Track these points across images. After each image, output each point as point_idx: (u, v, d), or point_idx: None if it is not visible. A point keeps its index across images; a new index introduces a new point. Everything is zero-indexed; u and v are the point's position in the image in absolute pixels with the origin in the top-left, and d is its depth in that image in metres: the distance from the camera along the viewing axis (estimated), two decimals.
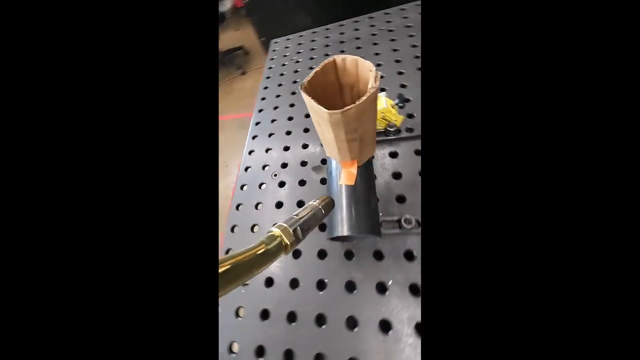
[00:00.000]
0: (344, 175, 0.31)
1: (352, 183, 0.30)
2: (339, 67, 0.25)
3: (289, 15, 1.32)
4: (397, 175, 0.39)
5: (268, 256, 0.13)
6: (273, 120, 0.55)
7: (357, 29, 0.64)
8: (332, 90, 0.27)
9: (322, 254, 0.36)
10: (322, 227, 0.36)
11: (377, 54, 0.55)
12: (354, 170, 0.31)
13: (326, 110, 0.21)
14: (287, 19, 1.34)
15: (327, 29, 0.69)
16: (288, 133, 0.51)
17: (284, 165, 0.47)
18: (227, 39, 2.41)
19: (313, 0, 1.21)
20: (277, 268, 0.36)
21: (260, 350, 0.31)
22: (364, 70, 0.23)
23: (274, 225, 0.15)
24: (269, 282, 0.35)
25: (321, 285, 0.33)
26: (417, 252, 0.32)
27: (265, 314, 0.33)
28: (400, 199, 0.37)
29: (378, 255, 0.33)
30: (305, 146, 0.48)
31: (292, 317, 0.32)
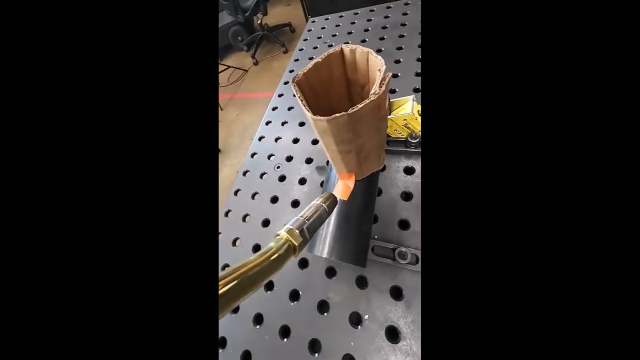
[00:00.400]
0: (338, 188, 0.27)
1: (345, 198, 0.26)
2: (347, 59, 0.20)
3: None
4: (407, 196, 0.33)
5: (280, 260, 0.12)
6: (290, 108, 0.51)
7: (405, 13, 0.55)
8: (337, 89, 0.23)
9: (303, 263, 0.33)
10: None
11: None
12: (350, 184, 0.27)
13: (311, 113, 0.17)
14: (339, 1, 1.24)
15: (372, 10, 0.60)
16: (301, 124, 0.48)
17: (289, 159, 0.44)
18: (277, 14, 2.37)
19: None
20: None
21: (221, 343, 0.31)
22: (374, 68, 0.18)
23: (284, 226, 0.15)
24: None
25: (295, 296, 0.31)
26: (407, 292, 0.27)
27: (235, 309, 0.33)
28: (403, 225, 0.31)
29: (361, 282, 0.29)
30: (315, 142, 0.44)
31: (259, 319, 0.31)
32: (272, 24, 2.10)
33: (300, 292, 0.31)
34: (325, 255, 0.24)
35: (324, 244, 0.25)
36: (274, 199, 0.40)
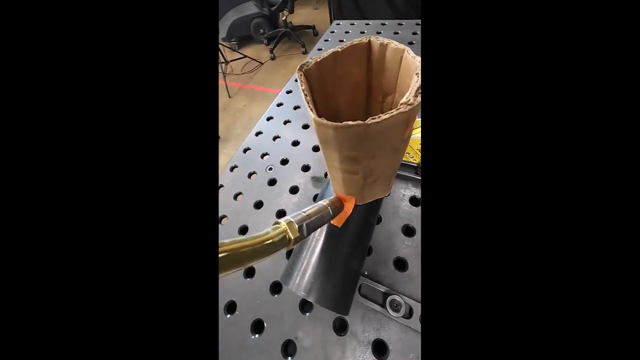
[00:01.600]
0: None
1: (339, 224, 0.21)
2: (375, 56, 0.16)
3: (368, 5, 1.21)
4: (409, 231, 0.29)
5: (271, 246, 0.12)
6: (297, 107, 0.47)
7: None
8: (353, 91, 0.18)
9: (276, 288, 0.28)
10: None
11: None
12: (347, 209, 0.22)
13: (314, 114, 0.12)
14: (367, 8, 1.23)
15: (400, 24, 0.57)
16: (305, 127, 0.43)
17: (284, 162, 0.39)
18: (302, 15, 2.37)
19: None
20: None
21: None
22: (407, 70, 0.14)
23: (281, 218, 0.14)
24: None
25: (258, 327, 0.26)
26: (393, 350, 0.22)
27: None
28: (400, 264, 0.27)
29: (339, 327, 0.24)
30: (316, 148, 0.39)
31: None
32: (296, 23, 2.09)
33: (265, 324, 0.26)
34: (301, 293, 0.19)
35: (302, 278, 0.20)
36: (259, 204, 0.35)
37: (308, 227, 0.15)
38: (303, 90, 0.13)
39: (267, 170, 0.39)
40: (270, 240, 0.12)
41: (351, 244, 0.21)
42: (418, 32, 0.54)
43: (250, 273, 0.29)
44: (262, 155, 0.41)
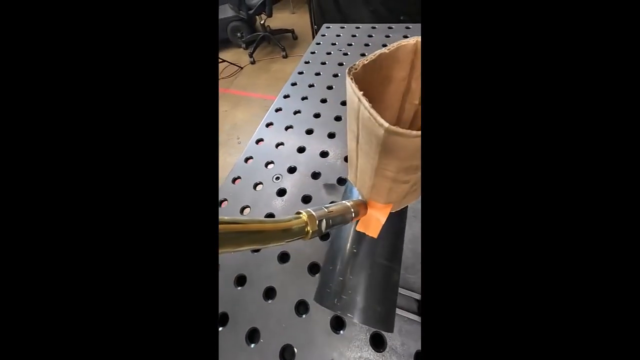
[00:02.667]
0: (368, 221, 0.21)
1: (375, 235, 0.20)
2: (420, 57, 0.15)
3: (350, 10, 1.24)
4: None
5: (288, 234, 0.12)
6: (297, 112, 0.45)
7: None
8: (391, 96, 0.17)
9: (301, 308, 0.26)
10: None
11: None
12: (382, 217, 0.21)
13: (383, 121, 0.11)
14: (348, 14, 1.26)
15: (390, 27, 0.59)
16: (309, 132, 0.42)
17: (292, 170, 0.37)
18: (280, 19, 2.36)
19: (381, 2, 1.12)
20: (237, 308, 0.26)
21: None
22: None
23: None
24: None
25: (288, 354, 0.24)
26: None
27: None
28: None
29: (377, 343, 0.23)
30: (324, 154, 0.38)
31: None
32: (274, 27, 2.07)
33: (296, 350, 0.24)
34: (348, 315, 0.17)
35: (345, 298, 0.18)
36: (269, 217, 0.33)
37: (328, 224, 0.14)
38: (361, 94, 0.12)
39: (274, 179, 0.37)
40: (288, 227, 0.12)
41: (389, 255, 0.20)
42: (409, 35, 0.55)
43: (270, 295, 0.27)
44: (267, 164, 0.39)
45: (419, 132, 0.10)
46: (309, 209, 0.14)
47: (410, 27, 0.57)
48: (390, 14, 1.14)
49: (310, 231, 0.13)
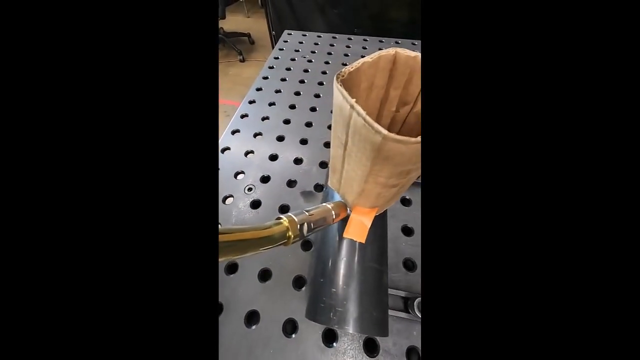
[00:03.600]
0: (353, 227, 0.21)
1: (363, 240, 0.20)
2: (399, 67, 0.16)
3: (306, 18, 1.27)
4: (408, 231, 0.30)
5: (269, 241, 0.12)
6: (265, 118, 0.43)
7: (380, 49, 0.58)
8: (371, 103, 0.18)
9: (289, 328, 0.24)
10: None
11: None
12: (368, 222, 0.21)
13: (381, 129, 0.11)
14: (304, 21, 1.28)
15: (350, 38, 0.62)
16: (280, 139, 0.40)
17: (265, 179, 0.35)
18: (235, 22, 2.27)
19: (337, 13, 1.18)
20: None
21: None
22: None
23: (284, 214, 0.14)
24: None
25: None
26: None
27: None
28: (409, 265, 0.28)
29: (370, 349, 0.23)
30: (298, 161, 0.37)
31: None
32: (228, 30, 1.97)
33: None
34: (345, 328, 0.17)
35: (340, 310, 0.18)
36: None
37: (309, 227, 0.14)
38: (354, 101, 0.12)
39: (247, 191, 0.34)
40: (269, 234, 0.12)
41: (378, 258, 0.21)
42: (367, 47, 0.59)
43: (253, 319, 0.24)
44: (236, 175, 0.36)
45: (419, 139, 0.10)
46: (289, 214, 0.14)
47: (367, 39, 0.62)
48: (345, 25, 1.21)
49: (292, 236, 0.13)
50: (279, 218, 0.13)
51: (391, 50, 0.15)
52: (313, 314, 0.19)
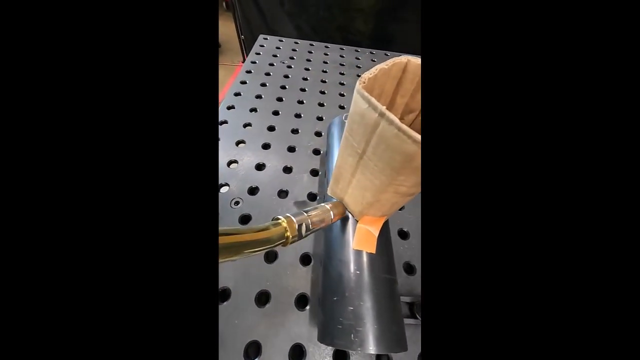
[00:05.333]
0: (361, 237, 0.20)
1: (373, 250, 0.20)
2: (409, 74, 0.16)
3: (276, 23, 1.26)
4: (403, 234, 0.31)
5: (267, 242, 0.12)
6: (246, 125, 0.41)
7: (358, 58, 0.60)
8: None
9: (296, 350, 0.22)
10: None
11: None
12: (375, 230, 0.21)
13: (418, 136, 0.10)
14: (273, 27, 1.27)
15: (327, 46, 0.63)
16: (266, 146, 0.38)
17: (253, 191, 0.32)
18: None
19: (305, 20, 1.19)
20: None
21: None
22: None
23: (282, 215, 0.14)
24: None
25: None
26: None
27: None
28: (409, 269, 0.28)
29: None
30: (288, 170, 0.35)
31: None
32: None
33: None
34: (370, 349, 0.16)
35: (361, 331, 0.16)
36: None
37: (307, 228, 0.14)
38: (385, 111, 0.11)
39: (233, 205, 0.31)
40: (268, 236, 0.12)
41: (388, 267, 0.20)
42: (344, 56, 0.60)
43: (253, 352, 0.22)
44: (219, 187, 0.32)
45: None
46: (287, 214, 0.14)
47: (344, 48, 0.63)
48: (314, 33, 1.23)
49: (290, 236, 0.13)
50: (278, 218, 0.13)
51: (403, 59, 0.15)
52: (330, 337, 0.17)
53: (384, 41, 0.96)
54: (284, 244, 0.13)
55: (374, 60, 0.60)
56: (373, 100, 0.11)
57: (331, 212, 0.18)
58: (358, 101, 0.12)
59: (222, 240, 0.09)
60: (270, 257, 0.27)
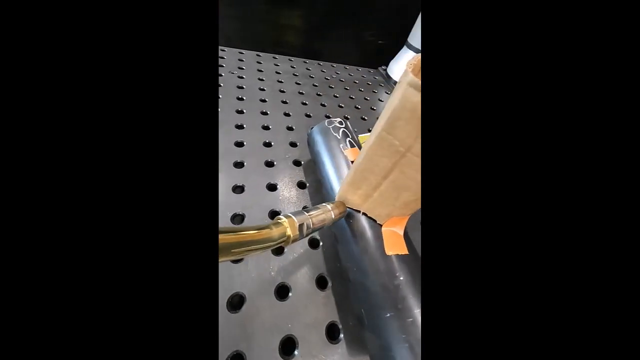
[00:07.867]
0: (391, 241, 0.19)
1: (406, 250, 0.19)
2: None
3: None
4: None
5: (268, 242, 0.12)
6: None
7: (308, 69, 0.61)
8: None
9: None
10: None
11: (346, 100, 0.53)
12: (400, 230, 0.20)
13: None
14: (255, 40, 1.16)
15: (275, 57, 0.61)
16: (239, 165, 0.33)
17: (238, 218, 0.27)
18: None
19: (239, 31, 1.14)
20: None
21: None
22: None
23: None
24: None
25: None
26: None
27: None
28: None
29: None
30: (272, 187, 0.31)
31: None
32: None
33: None
34: None
35: (409, 349, 0.15)
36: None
37: (309, 228, 0.14)
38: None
39: None
40: (269, 236, 0.12)
41: (418, 262, 0.20)
42: (295, 66, 0.60)
43: None
44: None
45: None
46: (288, 214, 0.14)
47: (292, 59, 0.63)
48: (242, 43, 1.18)
49: (292, 236, 0.13)
50: (279, 218, 0.13)
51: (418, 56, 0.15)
52: None
53: (314, 53, 1.00)
54: (285, 244, 0.13)
55: (338, 73, 0.63)
56: (415, 88, 0.11)
57: (332, 212, 0.17)
58: (409, 96, 0.11)
59: (222, 239, 0.09)
60: (282, 293, 0.22)
